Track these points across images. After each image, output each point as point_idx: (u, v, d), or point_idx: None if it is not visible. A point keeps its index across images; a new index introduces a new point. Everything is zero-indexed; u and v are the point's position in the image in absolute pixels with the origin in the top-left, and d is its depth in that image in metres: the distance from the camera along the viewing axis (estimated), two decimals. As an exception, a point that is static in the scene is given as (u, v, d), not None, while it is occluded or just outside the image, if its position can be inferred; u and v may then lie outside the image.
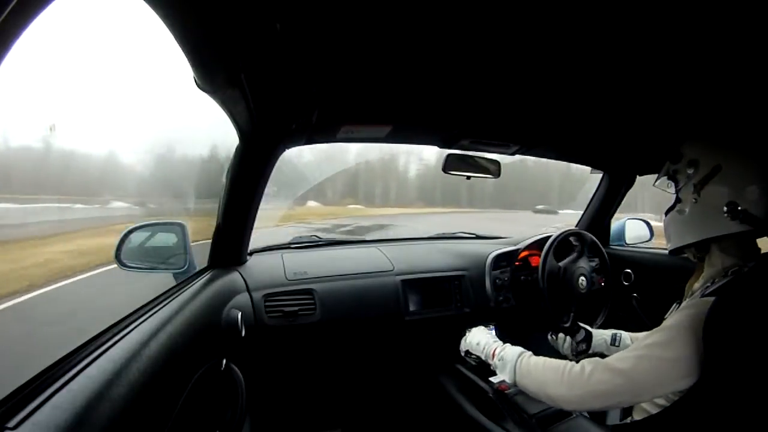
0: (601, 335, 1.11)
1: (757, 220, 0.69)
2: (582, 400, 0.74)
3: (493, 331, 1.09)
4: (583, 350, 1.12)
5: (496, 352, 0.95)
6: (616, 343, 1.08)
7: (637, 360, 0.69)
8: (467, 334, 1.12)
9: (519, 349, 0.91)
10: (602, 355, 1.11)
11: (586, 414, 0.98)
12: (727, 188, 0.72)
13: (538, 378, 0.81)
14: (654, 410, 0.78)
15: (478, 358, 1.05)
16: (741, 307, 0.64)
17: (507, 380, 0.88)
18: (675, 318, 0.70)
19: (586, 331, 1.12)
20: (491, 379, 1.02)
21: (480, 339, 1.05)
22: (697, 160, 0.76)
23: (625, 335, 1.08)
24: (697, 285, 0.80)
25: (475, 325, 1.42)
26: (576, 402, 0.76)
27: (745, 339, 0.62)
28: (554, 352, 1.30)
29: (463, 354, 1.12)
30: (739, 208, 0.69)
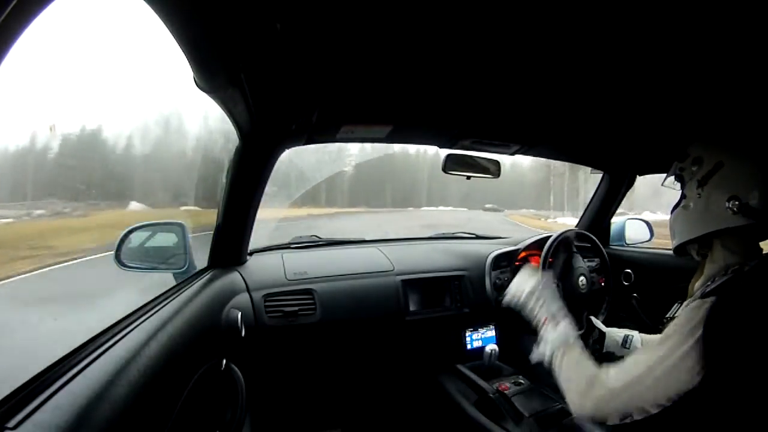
0: (613, 336, 1.13)
1: (758, 213, 0.70)
2: (592, 412, 0.75)
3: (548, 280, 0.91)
4: (596, 349, 1.14)
5: (545, 325, 0.89)
6: (627, 345, 1.09)
7: (638, 378, 0.70)
8: (517, 278, 0.99)
9: (564, 335, 0.85)
10: (613, 355, 1.12)
11: None
12: (729, 183, 0.74)
13: (565, 375, 0.82)
14: (653, 410, 0.78)
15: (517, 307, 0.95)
16: (741, 307, 0.65)
17: (545, 359, 0.86)
18: (674, 326, 0.70)
19: (600, 331, 1.13)
20: (532, 356, 0.91)
21: (539, 295, 0.93)
22: (701, 158, 0.79)
23: (636, 338, 1.09)
24: (698, 284, 0.80)
25: (475, 325, 1.42)
26: (583, 412, 0.77)
27: (745, 339, 0.62)
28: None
29: (503, 304, 1.01)
30: (741, 201, 0.71)
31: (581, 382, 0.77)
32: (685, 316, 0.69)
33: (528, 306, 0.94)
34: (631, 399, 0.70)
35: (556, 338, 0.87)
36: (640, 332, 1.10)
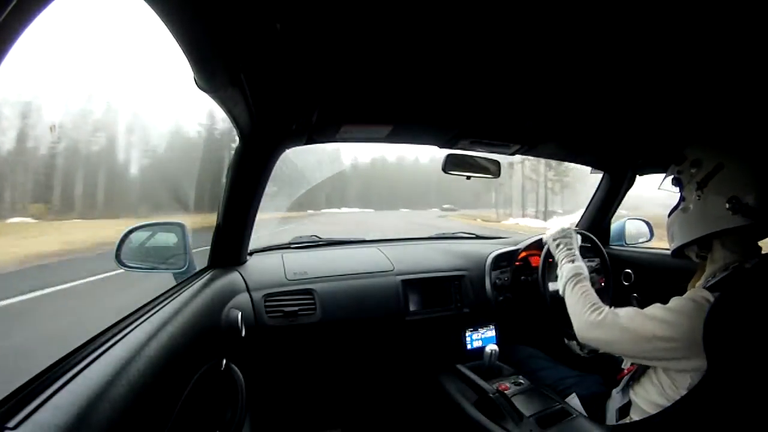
0: None
1: (758, 213, 0.71)
2: (590, 340, 0.89)
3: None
4: (593, 350, 1.14)
5: (560, 264, 1.08)
6: None
7: (636, 336, 0.78)
8: (553, 229, 1.21)
9: (577, 268, 1.02)
10: (611, 358, 1.13)
11: (584, 413, 0.98)
12: (728, 184, 0.75)
13: (569, 304, 0.97)
14: (652, 410, 0.78)
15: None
16: (742, 307, 0.65)
17: (559, 291, 1.04)
18: (678, 303, 0.74)
19: None
20: (550, 284, 1.24)
21: (561, 240, 1.14)
22: (700, 160, 0.80)
23: None
24: (699, 284, 0.80)
25: (475, 326, 1.42)
26: (583, 337, 0.91)
27: (746, 339, 0.62)
28: (564, 349, 1.32)
29: (544, 240, 1.24)
30: (741, 202, 0.72)
31: (583, 308, 0.90)
32: (686, 300, 0.73)
33: (555, 252, 1.13)
34: (617, 342, 0.82)
35: (569, 271, 1.02)
36: None
